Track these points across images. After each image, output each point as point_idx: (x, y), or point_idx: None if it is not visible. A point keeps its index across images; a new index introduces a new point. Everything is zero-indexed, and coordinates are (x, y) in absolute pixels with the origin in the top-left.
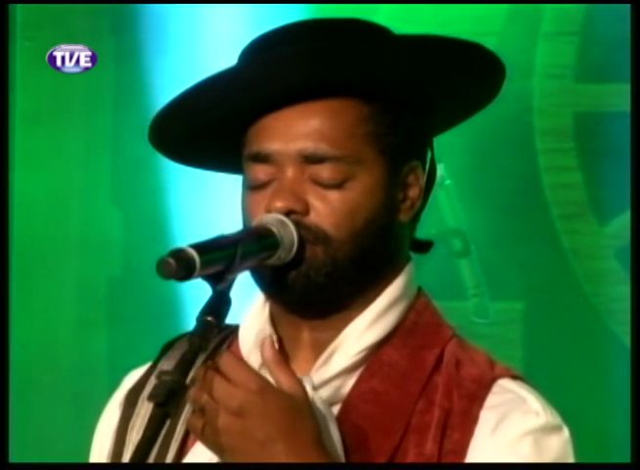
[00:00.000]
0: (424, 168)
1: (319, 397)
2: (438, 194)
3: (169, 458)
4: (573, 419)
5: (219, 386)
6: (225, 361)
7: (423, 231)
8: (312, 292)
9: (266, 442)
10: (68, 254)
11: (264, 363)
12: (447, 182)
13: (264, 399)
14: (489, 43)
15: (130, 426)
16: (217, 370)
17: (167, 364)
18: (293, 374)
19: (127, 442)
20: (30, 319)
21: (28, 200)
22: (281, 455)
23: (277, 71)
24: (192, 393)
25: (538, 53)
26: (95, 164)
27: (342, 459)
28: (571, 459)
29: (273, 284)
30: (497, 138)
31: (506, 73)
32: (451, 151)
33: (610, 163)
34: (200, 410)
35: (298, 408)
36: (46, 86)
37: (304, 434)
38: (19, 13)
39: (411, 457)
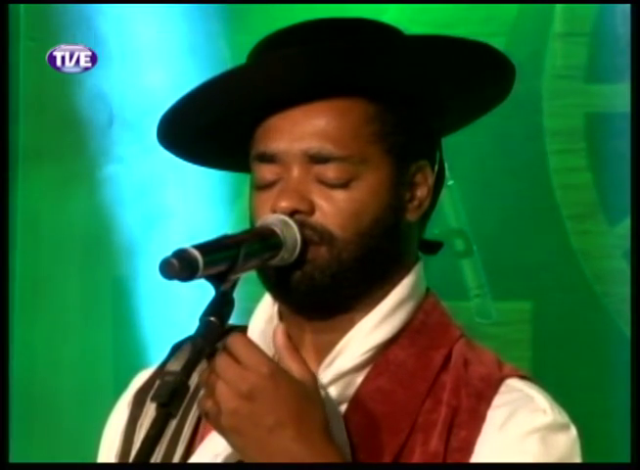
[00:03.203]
0: (432, 168)
1: (326, 395)
2: (441, 194)
3: (177, 458)
4: (582, 419)
5: (230, 368)
6: (236, 343)
7: (425, 232)
8: (317, 293)
9: (275, 427)
10: (73, 254)
11: (276, 350)
12: (450, 182)
13: (275, 383)
14: (499, 44)
15: (138, 425)
16: (229, 352)
17: (174, 365)
18: (304, 362)
19: (135, 441)
20: (35, 319)
21: (32, 199)
22: (288, 441)
23: (283, 71)
24: (203, 374)
25: (548, 54)
26: (99, 163)
27: (349, 457)
28: (577, 459)
29: (278, 285)
30: (506, 139)
31: (515, 74)
32: (456, 151)
33: (620, 163)
34: (211, 392)
35: (309, 395)
36: (49, 86)
37: (313, 421)
38: (22, 13)
39: (417, 456)
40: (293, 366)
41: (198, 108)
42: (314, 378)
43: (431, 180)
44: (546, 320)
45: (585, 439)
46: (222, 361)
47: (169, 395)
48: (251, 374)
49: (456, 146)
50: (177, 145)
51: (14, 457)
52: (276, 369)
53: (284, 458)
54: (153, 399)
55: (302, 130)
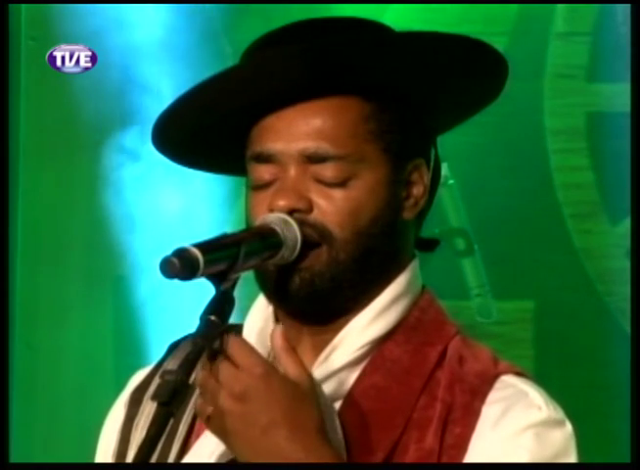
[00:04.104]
0: (428, 166)
1: (321, 392)
2: (442, 193)
3: (172, 457)
4: (583, 418)
5: (224, 369)
6: (231, 345)
7: (426, 231)
8: (316, 299)
9: (269, 426)
10: (74, 254)
11: (273, 350)
12: (450, 182)
13: (269, 383)
14: (500, 43)
15: (135, 425)
16: (224, 353)
17: (172, 364)
18: (300, 362)
19: (132, 440)
20: (36, 319)
21: (34, 199)
22: (282, 441)
23: (278, 71)
24: (199, 376)
25: (550, 53)
26: (101, 162)
27: (344, 454)
28: (573, 454)
29: (276, 290)
30: (508, 138)
31: (509, 70)
32: (457, 150)
33: (621, 162)
34: (206, 393)
35: (303, 396)
36: (51, 86)
37: (308, 421)
38: (23, 12)
39: (411, 453)
40: (289, 367)
41: (192, 110)
42: (310, 379)
43: (426, 178)
44: (548, 319)
45: (586, 438)
46: (218, 362)
47: (170, 394)
48: (245, 375)
49: (457, 145)
50: (172, 148)
51: (14, 457)
52: (270, 370)
53: (278, 458)
54: (153, 399)
55: (299, 130)
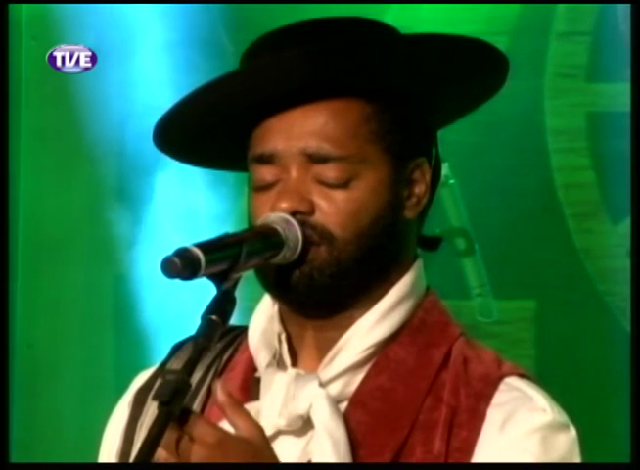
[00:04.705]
0: (429, 164)
1: (326, 393)
2: (442, 193)
3: None
4: (584, 418)
5: (181, 444)
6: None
7: (427, 231)
8: (316, 293)
9: None
10: (75, 253)
11: (218, 408)
12: (451, 181)
13: (223, 451)
14: (501, 43)
15: (139, 425)
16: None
17: (175, 365)
18: (248, 416)
19: (136, 440)
20: (37, 318)
21: (35, 199)
22: None
23: (280, 74)
24: (161, 455)
25: (550, 53)
26: (102, 162)
27: (349, 456)
28: (577, 458)
29: (277, 285)
30: (509, 138)
31: (509, 67)
32: (458, 150)
33: (622, 162)
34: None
35: (259, 451)
36: (51, 86)
37: None
38: (23, 12)
39: (418, 454)
40: (238, 423)
41: (196, 111)
42: (261, 431)
43: (428, 176)
44: (549, 319)
45: (586, 438)
46: (170, 436)
47: (171, 393)
48: (198, 446)
49: (458, 145)
50: (174, 148)
51: (14, 457)
52: (221, 436)
53: None
54: (154, 398)
55: (300, 130)
